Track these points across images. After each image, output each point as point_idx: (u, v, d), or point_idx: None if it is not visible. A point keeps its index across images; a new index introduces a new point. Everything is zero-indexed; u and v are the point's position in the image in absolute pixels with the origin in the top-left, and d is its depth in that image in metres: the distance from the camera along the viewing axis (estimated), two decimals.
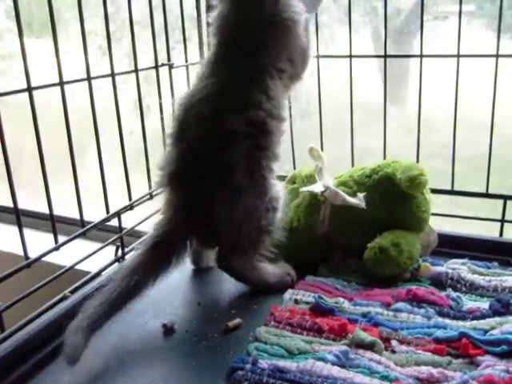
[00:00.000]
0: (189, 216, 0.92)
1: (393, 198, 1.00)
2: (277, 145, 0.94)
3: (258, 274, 0.97)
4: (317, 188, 1.00)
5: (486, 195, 1.10)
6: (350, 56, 1.14)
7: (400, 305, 0.89)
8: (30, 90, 0.83)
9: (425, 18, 1.10)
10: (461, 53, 1.06)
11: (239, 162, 0.90)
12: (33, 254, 0.90)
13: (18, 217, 0.85)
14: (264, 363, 0.77)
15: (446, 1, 1.52)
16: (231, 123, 0.89)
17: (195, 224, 0.92)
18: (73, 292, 0.98)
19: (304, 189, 1.02)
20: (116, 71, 1.00)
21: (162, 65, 1.10)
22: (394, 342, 0.81)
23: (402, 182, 0.97)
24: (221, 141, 0.89)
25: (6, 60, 1.89)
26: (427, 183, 0.99)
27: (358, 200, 0.98)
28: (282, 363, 0.76)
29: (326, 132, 1.24)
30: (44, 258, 0.93)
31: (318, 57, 1.15)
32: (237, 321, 0.88)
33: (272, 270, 0.99)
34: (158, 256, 0.90)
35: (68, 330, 0.79)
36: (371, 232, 0.99)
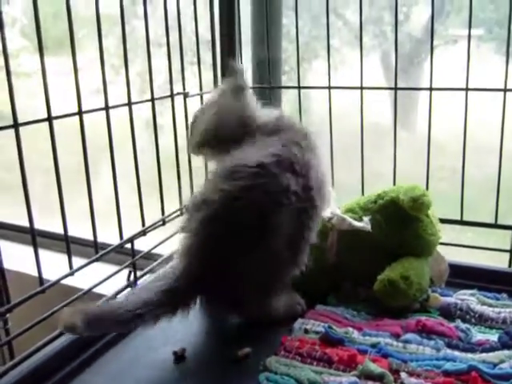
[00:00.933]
0: (205, 274, 0.88)
1: (399, 222, 1.01)
2: (317, 223, 0.95)
3: (269, 312, 0.96)
4: (324, 214, 1.02)
5: (495, 226, 1.11)
6: (361, 88, 1.15)
7: (409, 336, 0.90)
8: (50, 119, 0.85)
9: (435, 43, 1.12)
10: (470, 79, 1.08)
11: (285, 227, 0.88)
12: (46, 275, 0.90)
13: (35, 243, 0.87)
14: None
15: (455, 24, 1.54)
16: (288, 180, 0.87)
17: (211, 284, 0.88)
18: None
19: None
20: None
21: (178, 94, 1.13)
22: (403, 375, 0.81)
23: (405, 203, 0.99)
24: (271, 199, 0.86)
25: (20, 78, 1.92)
26: (431, 204, 1.00)
27: (364, 223, 1.00)
28: None
29: (335, 156, 1.25)
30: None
31: (329, 88, 1.17)
32: (246, 350, 0.88)
33: (281, 301, 0.98)
34: (165, 304, 0.87)
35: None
36: (379, 258, 1.00)
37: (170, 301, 0.87)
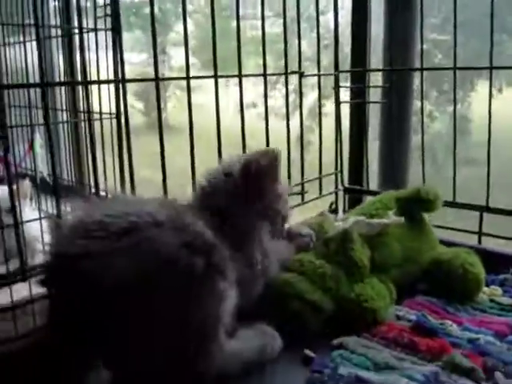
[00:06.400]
0: None
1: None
2: None
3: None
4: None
5: None
6: None
7: None
8: (188, 78, 0.93)
9: None
10: None
11: None
12: None
13: None
14: (344, 371, 0.73)
15: None
16: None
17: None
18: None
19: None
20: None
21: (292, 72, 1.12)
22: (498, 374, 0.70)
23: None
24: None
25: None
26: None
27: (393, 217, 0.96)
28: (363, 373, 0.72)
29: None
30: None
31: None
32: None
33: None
34: None
35: None
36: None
37: None
